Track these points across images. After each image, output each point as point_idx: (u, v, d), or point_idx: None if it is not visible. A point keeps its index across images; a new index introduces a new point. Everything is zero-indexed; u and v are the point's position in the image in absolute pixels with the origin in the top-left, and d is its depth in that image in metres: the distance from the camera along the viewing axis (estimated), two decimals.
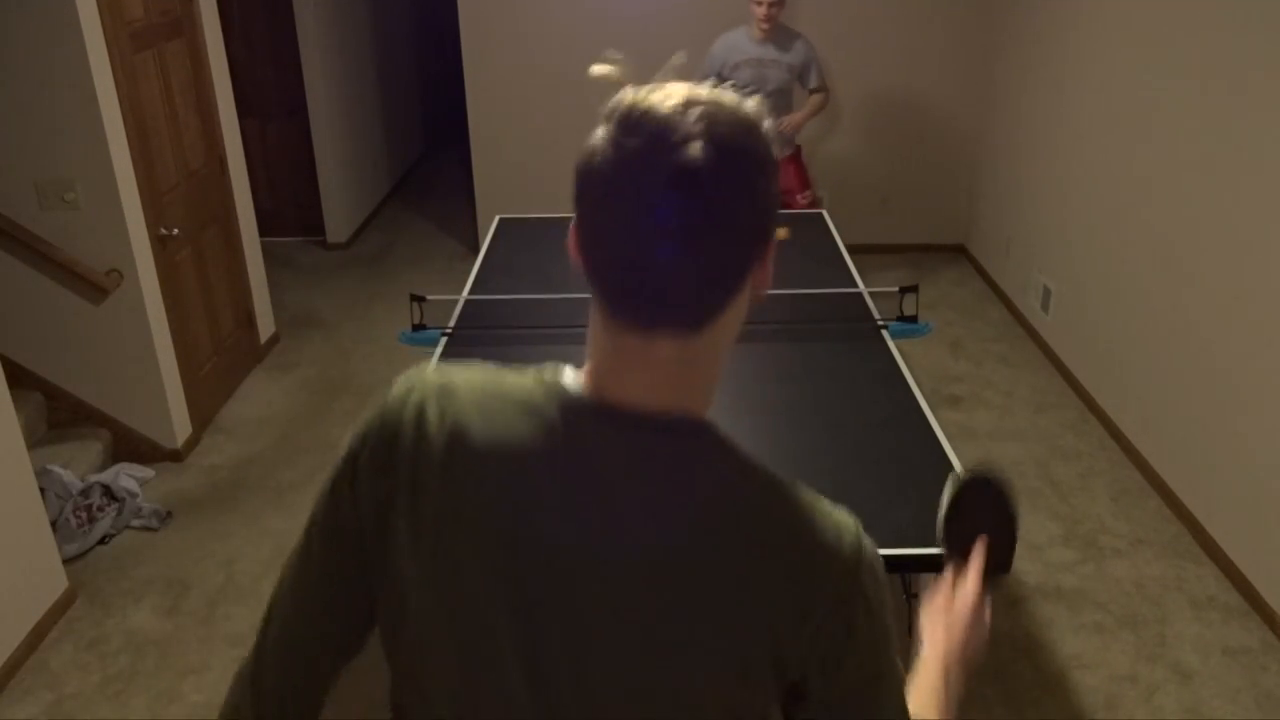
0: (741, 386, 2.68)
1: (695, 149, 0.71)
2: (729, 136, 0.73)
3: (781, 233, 2.57)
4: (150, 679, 2.75)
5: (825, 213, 4.19)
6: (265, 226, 4.91)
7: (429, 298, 3.15)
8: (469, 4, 5.24)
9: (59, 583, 3.02)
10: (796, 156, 4.44)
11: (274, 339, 4.77)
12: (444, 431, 0.82)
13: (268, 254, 4.90)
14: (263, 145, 5.92)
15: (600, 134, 0.75)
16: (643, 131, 0.72)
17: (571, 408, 0.81)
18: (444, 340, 2.94)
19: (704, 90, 0.76)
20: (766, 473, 0.84)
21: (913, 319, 3.08)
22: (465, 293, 3.28)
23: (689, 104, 0.73)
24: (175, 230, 3.75)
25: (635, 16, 5.24)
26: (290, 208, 6.08)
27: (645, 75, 0.79)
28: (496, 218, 4.09)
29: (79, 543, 3.24)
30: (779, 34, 4.16)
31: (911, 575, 2.24)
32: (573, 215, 0.79)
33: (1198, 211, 3.29)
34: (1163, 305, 3.51)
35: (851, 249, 3.74)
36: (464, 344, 2.91)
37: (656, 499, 0.79)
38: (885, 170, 5.62)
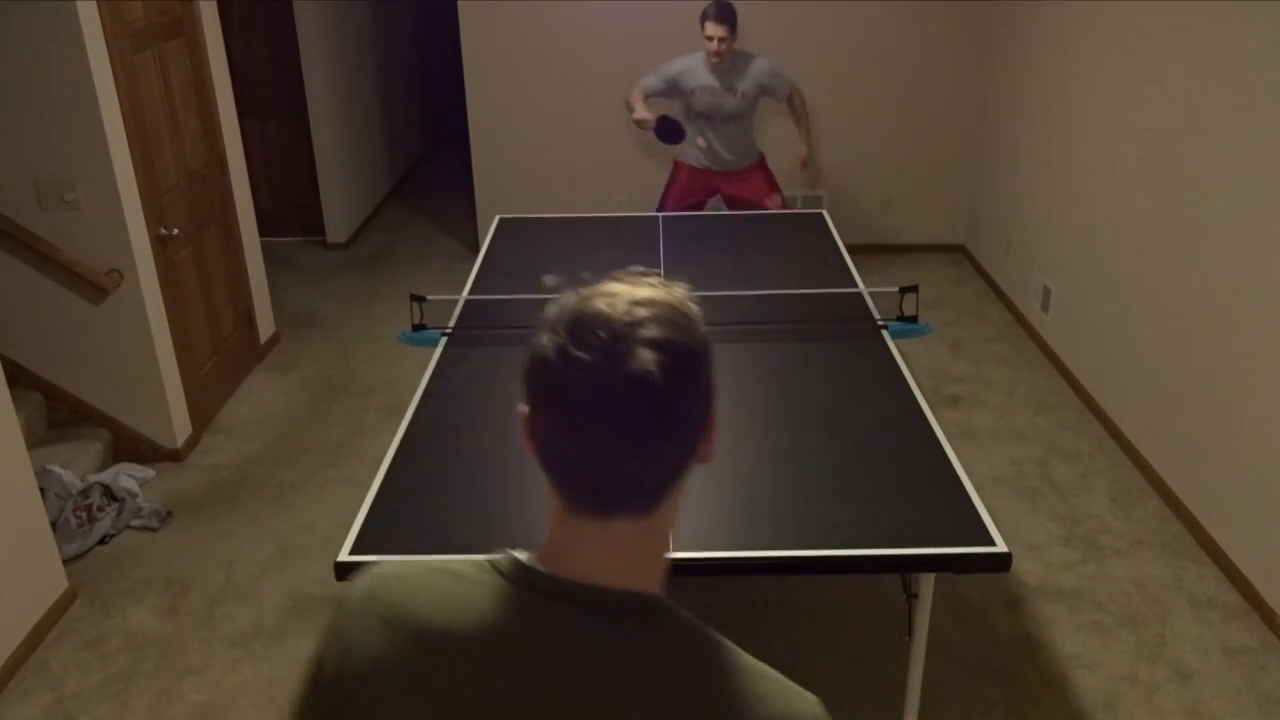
0: (742, 386, 2.68)
1: (647, 358, 0.74)
2: (675, 337, 0.77)
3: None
4: (150, 679, 2.75)
5: (825, 213, 4.20)
6: (265, 226, 4.92)
7: (429, 298, 3.15)
8: (469, 4, 5.24)
9: (59, 583, 3.02)
10: (762, 163, 4.48)
11: (274, 339, 4.77)
12: (394, 634, 0.82)
13: (268, 254, 4.90)
14: (263, 145, 5.92)
15: (549, 341, 0.77)
16: (594, 342, 0.75)
17: (530, 586, 0.82)
18: (444, 340, 2.94)
19: (643, 288, 0.80)
20: (723, 657, 0.82)
21: (913, 319, 3.08)
22: (465, 293, 3.29)
23: (634, 308, 0.77)
24: (175, 230, 3.75)
25: (634, 16, 5.24)
26: (290, 208, 6.08)
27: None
28: (496, 218, 4.09)
29: (79, 543, 3.25)
30: (730, 64, 4.19)
31: (911, 575, 2.24)
32: (526, 408, 0.81)
33: (1198, 211, 3.30)
34: (1163, 305, 3.51)
35: (851, 249, 3.75)
36: (464, 344, 2.91)
37: (612, 685, 0.78)
38: (885, 171, 5.62)
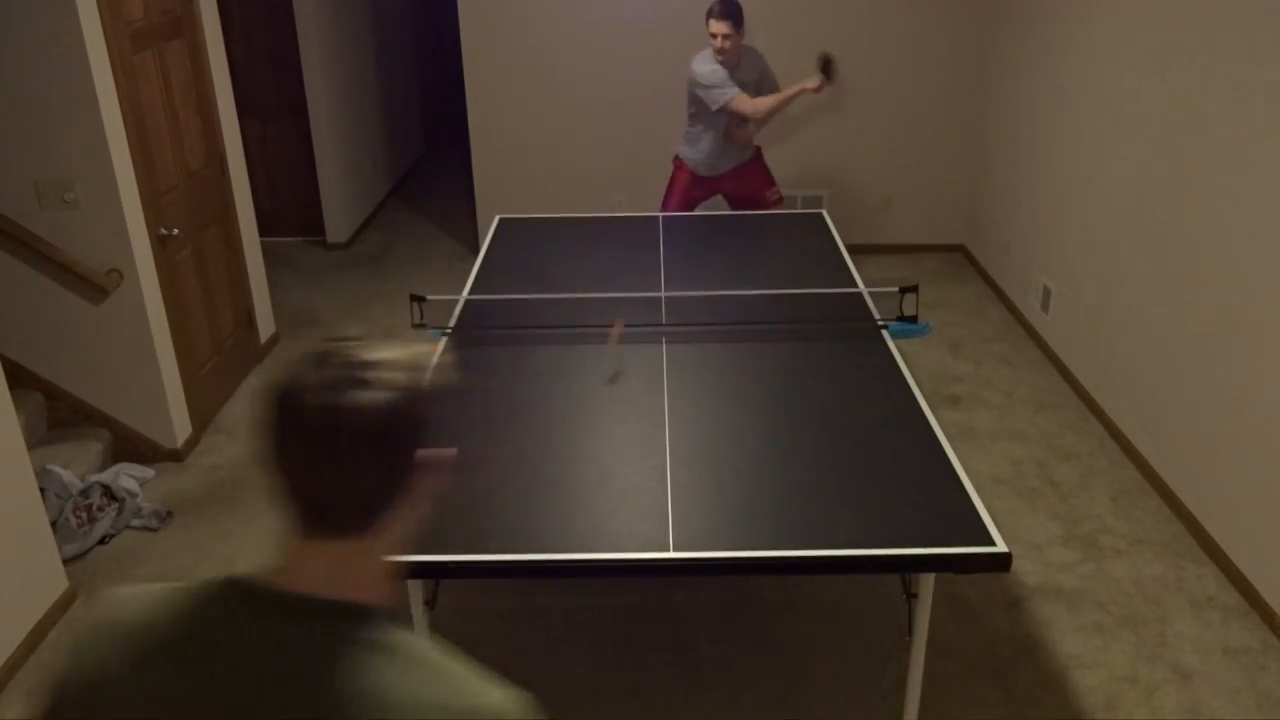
0: (742, 386, 2.68)
1: (365, 395, 0.86)
2: (396, 382, 0.88)
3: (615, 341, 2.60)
4: None
5: (825, 213, 4.20)
6: (265, 226, 4.91)
7: (429, 298, 3.15)
8: (469, 4, 5.24)
9: (59, 583, 3.02)
10: (758, 158, 4.52)
11: (274, 339, 4.77)
12: (128, 651, 0.89)
13: (268, 254, 4.90)
14: (263, 145, 5.92)
15: (288, 376, 0.90)
16: (324, 378, 0.87)
17: (252, 598, 0.89)
18: (444, 340, 2.94)
19: (388, 344, 0.91)
20: (421, 657, 0.88)
21: (913, 319, 3.08)
22: (465, 293, 3.29)
23: (367, 356, 0.89)
24: (175, 230, 3.75)
25: (633, 17, 5.24)
26: (290, 208, 6.08)
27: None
28: (496, 218, 4.10)
29: (79, 543, 3.25)
30: (739, 61, 4.20)
31: (911, 575, 2.24)
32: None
33: (1197, 211, 3.30)
34: (1162, 305, 3.51)
35: (851, 249, 3.75)
36: (464, 344, 2.91)
37: (315, 683, 0.85)
38: (886, 171, 5.62)
